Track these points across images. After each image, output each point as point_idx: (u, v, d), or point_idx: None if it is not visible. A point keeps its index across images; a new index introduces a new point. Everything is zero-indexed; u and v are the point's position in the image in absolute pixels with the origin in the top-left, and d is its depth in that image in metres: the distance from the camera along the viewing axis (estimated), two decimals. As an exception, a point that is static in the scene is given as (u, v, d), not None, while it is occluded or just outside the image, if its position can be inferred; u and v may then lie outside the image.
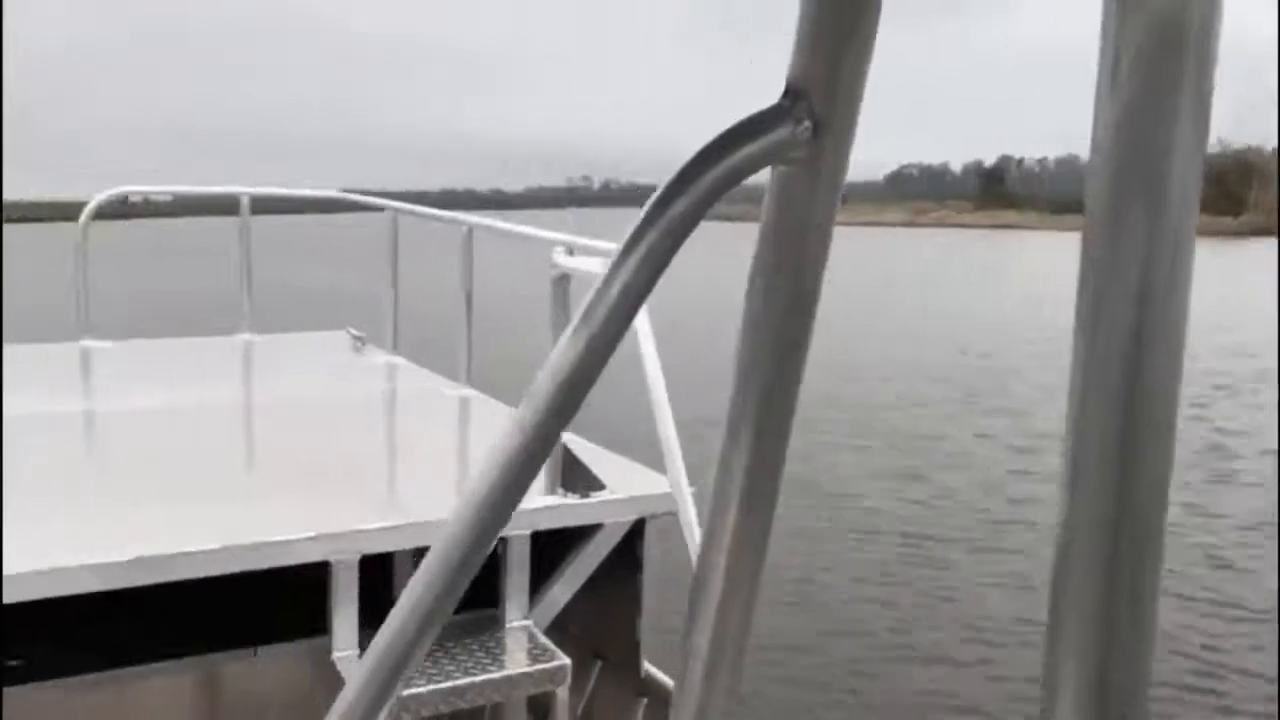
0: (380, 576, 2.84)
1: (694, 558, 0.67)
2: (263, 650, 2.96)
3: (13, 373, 4.60)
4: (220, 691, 3.06)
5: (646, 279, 0.60)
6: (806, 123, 0.59)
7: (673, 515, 2.87)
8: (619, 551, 3.07)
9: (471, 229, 4.37)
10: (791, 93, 0.59)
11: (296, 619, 2.93)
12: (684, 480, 2.79)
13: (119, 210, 5.74)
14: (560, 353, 0.62)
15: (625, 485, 3.12)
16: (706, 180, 0.59)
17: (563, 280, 3.03)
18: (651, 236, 0.60)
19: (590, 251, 3.10)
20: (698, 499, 2.75)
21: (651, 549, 3.13)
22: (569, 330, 0.62)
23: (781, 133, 0.59)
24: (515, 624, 2.95)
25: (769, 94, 0.61)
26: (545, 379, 0.63)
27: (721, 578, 0.66)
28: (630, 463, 3.34)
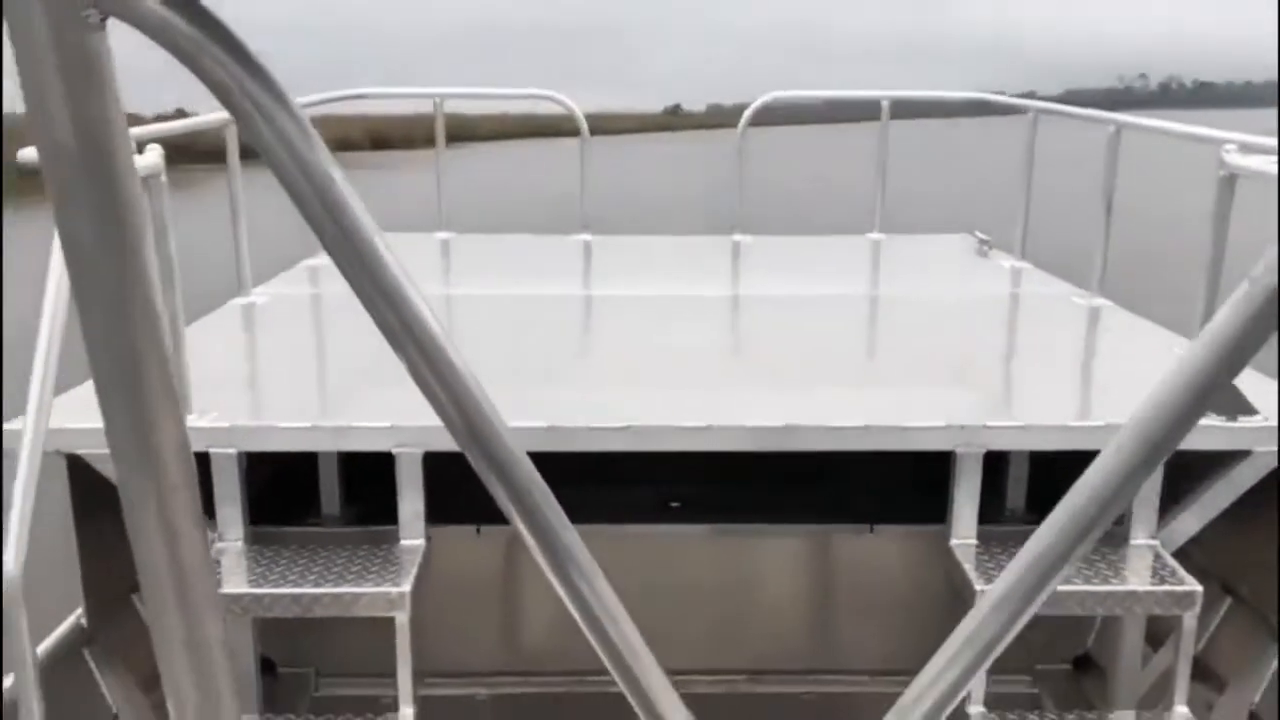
0: (992, 472, 2.85)
1: None
2: (879, 528, 3.11)
3: (683, 260, 5.50)
4: (836, 561, 3.27)
5: None
6: None
7: None
8: (1265, 484, 2.84)
9: (1120, 128, 4.18)
10: None
11: (914, 504, 3.07)
12: None
13: (767, 117, 6.06)
14: (1268, 265, 0.61)
15: None
16: None
17: (1230, 181, 2.85)
18: None
19: (1265, 150, 2.89)
20: None
21: None
22: None
23: None
24: (1140, 542, 2.84)
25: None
26: (1254, 288, 0.62)
27: None
28: None
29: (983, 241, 5.59)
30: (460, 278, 5.25)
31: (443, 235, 5.86)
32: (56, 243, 2.30)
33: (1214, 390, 0.65)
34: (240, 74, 0.59)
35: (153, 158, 2.55)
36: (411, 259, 5.27)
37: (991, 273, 5.07)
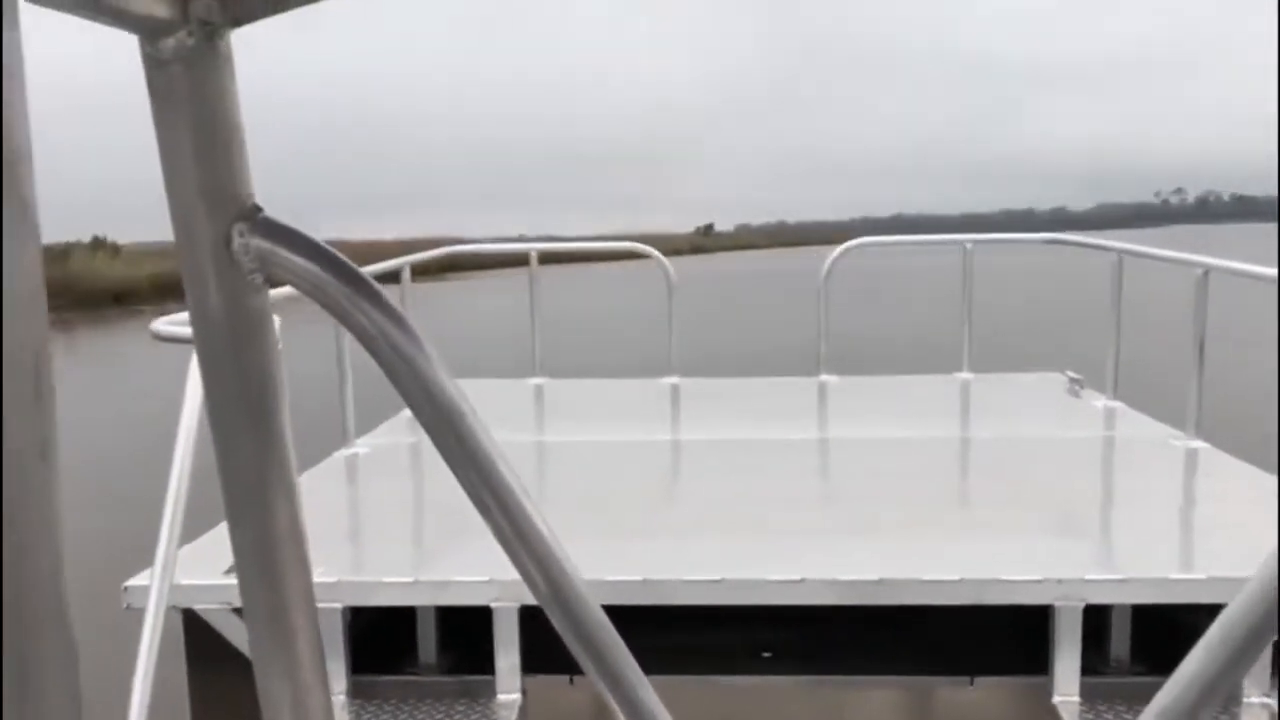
0: (1095, 618, 2.80)
1: None
2: (979, 680, 3.05)
3: (770, 403, 5.44)
4: (934, 714, 3.22)
5: None
6: None
7: None
8: None
9: (1208, 271, 4.18)
10: None
11: (1014, 654, 3.00)
12: None
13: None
14: None
15: None
16: None
17: None
18: None
19: None
20: None
21: None
22: None
23: None
24: (1254, 700, 2.73)
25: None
26: None
27: None
28: None
29: (1074, 380, 5.54)
30: (554, 423, 5.36)
31: (536, 381, 5.98)
32: (183, 424, 2.40)
33: None
34: (384, 324, 0.64)
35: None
36: (508, 406, 5.40)
37: (1084, 413, 5.02)
